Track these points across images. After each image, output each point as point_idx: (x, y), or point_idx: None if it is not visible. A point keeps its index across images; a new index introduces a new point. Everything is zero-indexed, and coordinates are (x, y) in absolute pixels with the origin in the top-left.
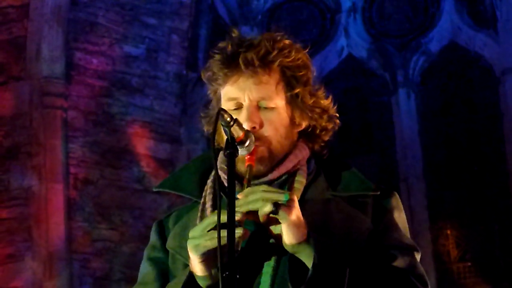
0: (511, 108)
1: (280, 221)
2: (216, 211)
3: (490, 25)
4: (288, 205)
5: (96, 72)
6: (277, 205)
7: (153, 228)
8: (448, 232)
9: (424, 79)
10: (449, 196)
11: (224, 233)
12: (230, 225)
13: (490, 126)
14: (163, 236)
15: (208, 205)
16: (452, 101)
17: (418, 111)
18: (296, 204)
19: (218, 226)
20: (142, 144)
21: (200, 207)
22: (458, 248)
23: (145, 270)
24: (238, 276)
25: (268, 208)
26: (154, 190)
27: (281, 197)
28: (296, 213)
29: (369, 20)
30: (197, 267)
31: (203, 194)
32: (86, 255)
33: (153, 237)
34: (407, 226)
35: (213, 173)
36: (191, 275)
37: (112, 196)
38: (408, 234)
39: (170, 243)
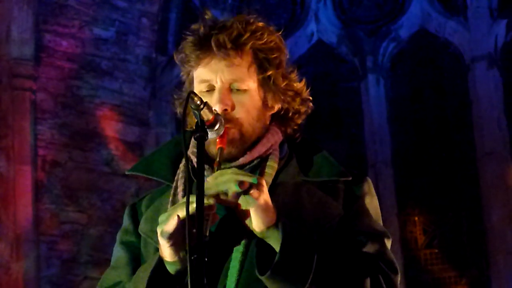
0: (480, 95)
1: (248, 205)
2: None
3: (460, 12)
4: (256, 189)
5: (65, 54)
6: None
7: (126, 212)
8: (416, 218)
9: (394, 65)
10: (417, 182)
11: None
12: (199, 209)
13: (459, 113)
14: (135, 220)
15: (180, 189)
16: (421, 87)
17: (387, 97)
18: (265, 188)
19: (187, 211)
20: (111, 127)
21: (172, 191)
22: (425, 234)
23: (118, 254)
24: (206, 259)
25: (237, 187)
26: (127, 173)
27: (250, 180)
28: (264, 197)
29: (339, 5)
30: (166, 252)
31: (175, 178)
32: (53, 237)
33: (126, 221)
34: (379, 212)
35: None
36: (161, 260)
37: (80, 178)
38: (380, 220)
39: (142, 227)
